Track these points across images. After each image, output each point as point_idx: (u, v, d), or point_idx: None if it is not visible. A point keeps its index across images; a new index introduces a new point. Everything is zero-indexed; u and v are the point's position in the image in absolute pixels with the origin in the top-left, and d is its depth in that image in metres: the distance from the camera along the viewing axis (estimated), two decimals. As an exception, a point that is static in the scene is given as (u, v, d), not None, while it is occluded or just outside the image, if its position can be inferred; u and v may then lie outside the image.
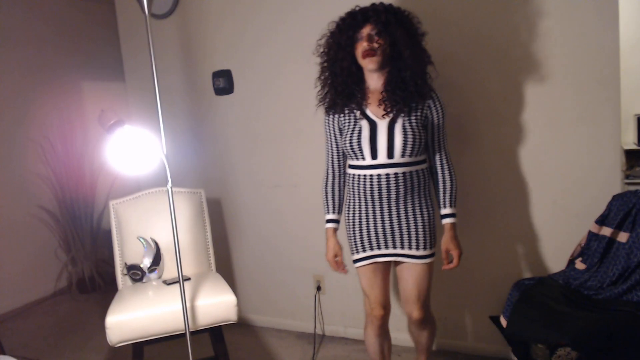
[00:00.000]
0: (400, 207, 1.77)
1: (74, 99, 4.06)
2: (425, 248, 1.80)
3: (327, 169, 1.92)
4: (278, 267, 2.90)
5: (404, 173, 1.74)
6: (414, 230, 1.79)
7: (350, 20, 1.72)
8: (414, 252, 1.80)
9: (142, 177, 3.07)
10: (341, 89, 1.77)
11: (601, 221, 1.82)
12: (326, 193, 1.92)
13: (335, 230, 1.92)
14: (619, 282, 1.68)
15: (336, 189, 1.92)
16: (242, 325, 3.02)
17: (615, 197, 1.82)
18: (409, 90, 1.72)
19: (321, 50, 1.82)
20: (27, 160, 3.71)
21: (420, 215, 1.79)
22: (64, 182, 3.78)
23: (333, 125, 1.85)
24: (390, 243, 1.81)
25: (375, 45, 1.69)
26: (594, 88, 2.05)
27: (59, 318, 3.43)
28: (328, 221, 1.92)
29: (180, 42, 2.94)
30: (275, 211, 2.85)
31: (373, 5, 1.74)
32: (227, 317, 2.08)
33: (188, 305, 2.00)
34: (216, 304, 2.06)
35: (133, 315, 1.97)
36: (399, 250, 1.81)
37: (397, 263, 1.88)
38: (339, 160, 1.89)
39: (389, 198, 1.76)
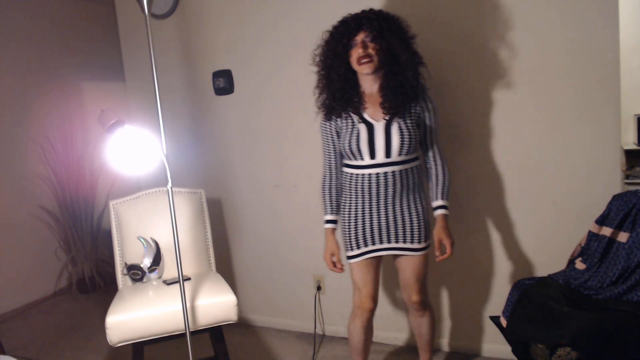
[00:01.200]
0: (396, 203, 1.87)
1: (74, 99, 4.06)
2: (420, 241, 1.90)
3: (325, 171, 1.99)
4: (278, 267, 2.91)
5: (400, 171, 1.83)
6: (409, 224, 1.88)
7: (344, 28, 1.78)
8: (409, 245, 1.90)
9: (142, 177, 3.07)
10: (339, 95, 1.83)
11: (601, 221, 1.82)
12: (325, 195, 1.99)
13: (333, 230, 1.98)
14: (619, 282, 1.68)
15: (334, 190, 1.98)
16: (242, 325, 3.02)
17: (615, 197, 1.81)
18: (406, 94, 1.80)
19: (317, 59, 1.88)
20: (27, 160, 3.71)
21: (415, 210, 1.89)
22: (64, 182, 3.78)
23: (331, 129, 1.91)
24: (387, 237, 1.89)
25: (371, 51, 1.74)
26: (594, 88, 2.05)
27: (59, 318, 3.43)
28: (327, 222, 1.98)
29: (180, 42, 2.94)
30: (275, 211, 2.85)
31: (364, 12, 1.79)
32: (227, 317, 2.08)
33: (188, 305, 2.00)
34: (216, 304, 2.06)
35: (133, 315, 1.97)
36: (396, 245, 1.90)
37: (395, 256, 1.97)
38: (336, 162, 1.96)
39: (386, 195, 1.85)
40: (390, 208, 1.87)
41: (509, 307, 1.81)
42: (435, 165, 1.92)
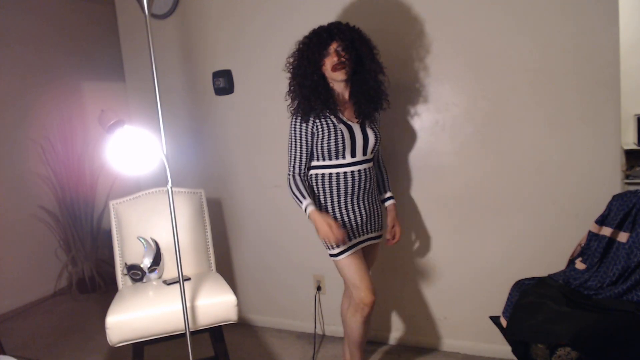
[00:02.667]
0: (370, 196, 2.05)
1: (74, 99, 4.06)
2: (382, 228, 2.14)
3: (293, 172, 1.99)
4: (278, 267, 2.91)
5: (370, 168, 2.03)
6: (378, 214, 2.10)
7: (317, 39, 1.91)
8: (378, 233, 2.12)
9: (142, 177, 3.07)
10: (314, 98, 1.92)
11: (601, 221, 1.82)
12: (297, 187, 1.96)
13: (318, 210, 1.93)
14: (619, 282, 1.68)
15: (306, 184, 1.99)
16: (242, 325, 3.02)
17: (615, 197, 1.81)
18: (374, 101, 1.99)
19: (290, 67, 1.99)
20: (27, 160, 3.71)
21: (378, 202, 2.11)
22: (64, 182, 3.78)
23: (306, 131, 1.96)
24: (367, 229, 2.05)
25: (343, 59, 1.89)
26: (594, 88, 2.05)
27: (59, 318, 3.44)
28: (309, 205, 1.92)
29: (180, 42, 2.94)
30: (275, 211, 2.85)
31: (334, 24, 1.94)
32: (227, 317, 2.08)
33: (188, 305, 2.00)
34: (216, 304, 2.06)
35: (133, 315, 1.97)
36: (372, 234, 2.08)
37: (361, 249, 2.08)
38: (306, 163, 2.01)
39: (365, 189, 2.01)
40: (367, 201, 2.03)
41: (509, 307, 1.81)
42: (380, 164, 2.19)
